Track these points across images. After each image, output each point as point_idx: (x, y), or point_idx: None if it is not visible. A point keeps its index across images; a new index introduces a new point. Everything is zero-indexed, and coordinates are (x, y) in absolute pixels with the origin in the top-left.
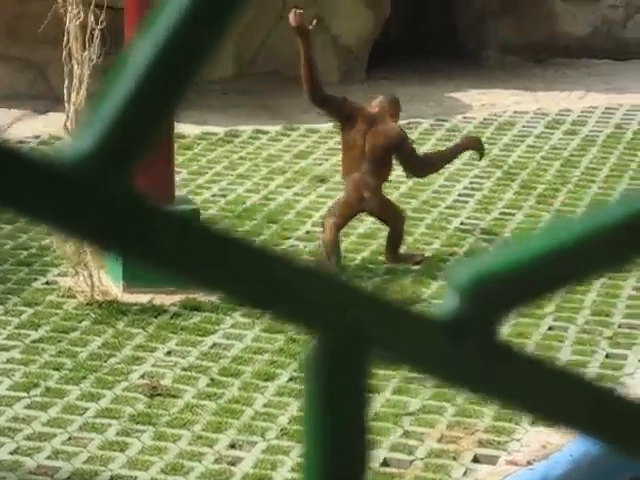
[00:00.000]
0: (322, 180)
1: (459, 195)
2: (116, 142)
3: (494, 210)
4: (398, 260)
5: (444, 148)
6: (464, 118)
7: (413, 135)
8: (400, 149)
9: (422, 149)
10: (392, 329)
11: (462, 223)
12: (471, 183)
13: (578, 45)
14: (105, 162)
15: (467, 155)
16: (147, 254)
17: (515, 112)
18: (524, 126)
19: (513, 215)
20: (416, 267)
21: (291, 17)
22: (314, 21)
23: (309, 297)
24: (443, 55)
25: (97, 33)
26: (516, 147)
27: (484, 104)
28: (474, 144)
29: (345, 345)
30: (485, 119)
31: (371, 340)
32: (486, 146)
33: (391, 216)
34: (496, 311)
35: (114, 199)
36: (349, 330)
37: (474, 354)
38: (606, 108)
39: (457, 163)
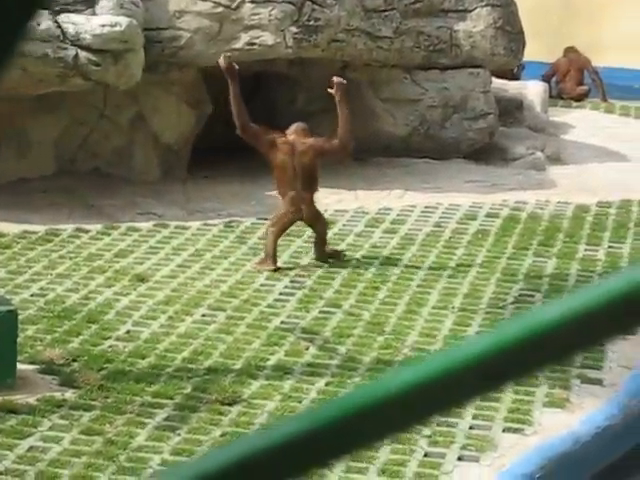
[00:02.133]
0: (142, 279)
1: (280, 294)
2: None
3: (314, 309)
4: (325, 256)
5: (339, 115)
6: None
7: (234, 233)
8: (325, 153)
9: (242, 249)
10: None
11: (282, 322)
12: (292, 282)
13: (398, 144)
14: None
15: (289, 252)
16: None
17: (336, 210)
18: (344, 224)
19: (334, 314)
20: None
21: (221, 61)
22: (227, 54)
23: None
24: None
25: None
26: (337, 245)
27: None
28: (343, 89)
29: None
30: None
31: None
32: (303, 244)
33: (320, 223)
34: None
35: None
36: None
37: None
38: (425, 207)
39: (278, 262)
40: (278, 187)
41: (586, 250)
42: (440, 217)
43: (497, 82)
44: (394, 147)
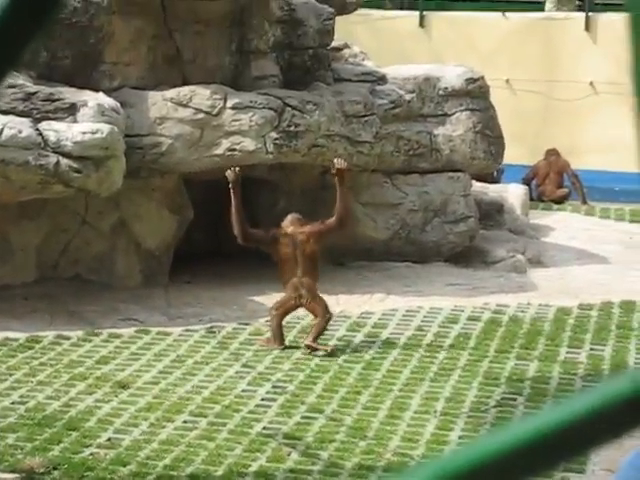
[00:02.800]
0: (124, 386)
1: (262, 399)
2: None
3: (296, 414)
4: (313, 347)
5: (338, 193)
6: (266, 322)
7: (216, 339)
8: (323, 234)
9: (224, 354)
10: None
11: (264, 428)
12: (274, 387)
13: (379, 248)
14: None
15: (269, 359)
16: None
17: None
18: (325, 329)
19: (315, 419)
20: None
21: (229, 174)
22: (236, 168)
23: None
24: (246, 259)
25: None
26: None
27: None
28: (342, 171)
29: None
30: (288, 322)
31: None
32: (283, 350)
33: (321, 312)
34: None
35: None
36: None
37: None
38: (406, 311)
39: (260, 367)
40: (282, 276)
41: (568, 353)
42: (422, 321)
43: (477, 185)
44: (375, 251)
